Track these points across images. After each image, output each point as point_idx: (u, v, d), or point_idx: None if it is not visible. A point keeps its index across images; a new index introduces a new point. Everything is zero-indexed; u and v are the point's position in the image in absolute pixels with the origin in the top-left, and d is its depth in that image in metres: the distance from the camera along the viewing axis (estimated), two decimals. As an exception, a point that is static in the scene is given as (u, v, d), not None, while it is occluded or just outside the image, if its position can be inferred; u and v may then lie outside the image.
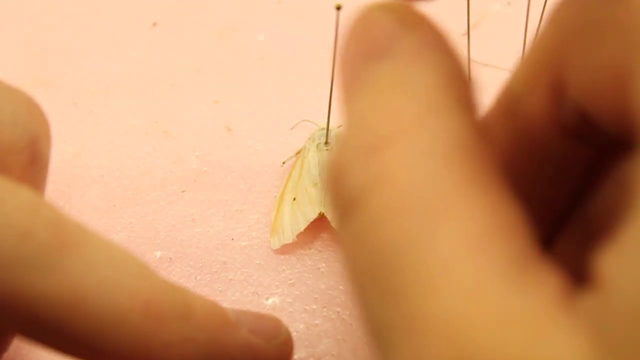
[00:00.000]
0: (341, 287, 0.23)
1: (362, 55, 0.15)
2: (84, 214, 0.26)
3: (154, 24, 0.34)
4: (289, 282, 0.24)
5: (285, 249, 0.24)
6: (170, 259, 0.25)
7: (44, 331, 0.15)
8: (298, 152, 0.26)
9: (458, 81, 0.14)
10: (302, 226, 0.24)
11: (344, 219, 0.13)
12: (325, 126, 0.25)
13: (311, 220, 0.24)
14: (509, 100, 0.16)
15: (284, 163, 0.27)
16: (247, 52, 0.32)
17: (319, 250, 0.24)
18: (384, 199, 0.12)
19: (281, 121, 0.29)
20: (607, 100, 0.12)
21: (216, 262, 0.24)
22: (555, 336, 0.10)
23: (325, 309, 0.23)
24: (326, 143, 0.25)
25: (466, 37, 0.28)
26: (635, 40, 0.11)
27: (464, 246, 0.11)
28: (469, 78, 0.14)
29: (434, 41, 0.14)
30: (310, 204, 0.24)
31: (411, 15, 0.15)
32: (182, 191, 0.27)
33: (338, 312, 0.23)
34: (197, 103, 0.30)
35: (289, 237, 0.24)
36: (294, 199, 0.24)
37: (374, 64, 0.14)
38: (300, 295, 0.23)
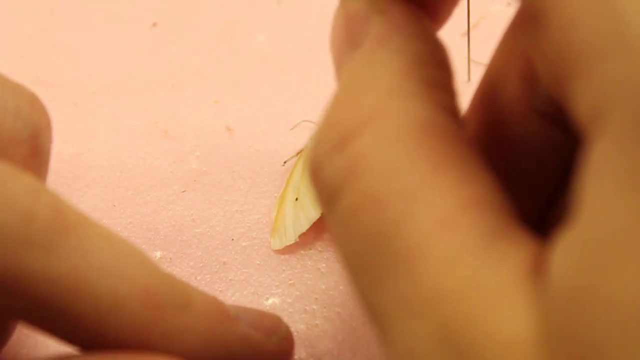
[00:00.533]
0: (341, 287, 0.23)
1: (343, 44, 0.15)
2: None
3: (154, 24, 0.34)
4: (289, 282, 0.24)
5: (285, 250, 0.24)
6: (171, 259, 0.25)
7: (45, 314, 0.15)
8: (299, 152, 0.26)
9: (425, 62, 0.14)
10: (305, 226, 0.24)
11: (327, 211, 0.13)
12: None
13: (314, 220, 0.24)
14: (487, 88, 0.16)
15: (285, 163, 0.27)
16: (248, 52, 0.32)
17: (319, 251, 0.24)
18: (360, 189, 0.12)
19: (281, 121, 0.29)
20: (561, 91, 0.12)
21: (216, 263, 0.24)
22: (508, 311, 0.11)
23: (325, 310, 0.23)
24: None
25: (466, 37, 0.28)
26: (569, 42, 0.11)
27: (437, 225, 0.12)
28: (441, 58, 0.14)
29: (402, 24, 0.14)
30: (313, 204, 0.24)
31: (384, 1, 0.15)
32: (182, 191, 0.27)
33: (338, 312, 0.23)
34: (198, 103, 0.30)
35: (291, 237, 0.24)
36: (296, 199, 0.24)
37: (350, 51, 0.14)
38: (300, 296, 0.23)
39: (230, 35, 0.33)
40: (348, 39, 0.15)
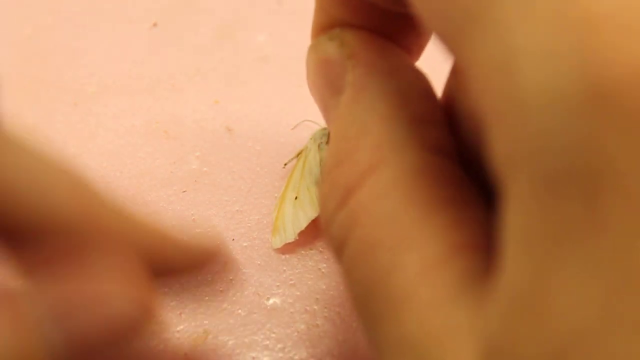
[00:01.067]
0: (342, 287, 0.23)
1: (324, 90, 0.16)
2: (84, 214, 0.26)
3: (154, 24, 0.34)
4: (290, 282, 0.24)
5: (286, 249, 0.24)
6: (171, 259, 0.25)
7: None
8: (299, 153, 0.26)
9: (406, 99, 0.14)
10: (304, 224, 0.24)
11: (337, 259, 0.14)
12: (326, 126, 0.25)
13: (312, 218, 0.24)
14: (448, 96, 0.16)
15: (285, 165, 0.27)
16: (248, 52, 0.32)
17: (320, 251, 0.24)
18: (358, 239, 0.13)
19: (282, 121, 0.29)
20: None
21: (217, 262, 0.24)
22: (467, 353, 0.11)
23: (326, 310, 0.23)
24: (327, 143, 0.25)
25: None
26: (482, 105, 0.11)
27: (422, 271, 0.12)
28: (423, 88, 0.15)
29: (376, 64, 0.15)
30: (312, 203, 0.24)
31: (352, 41, 0.15)
32: (183, 191, 0.27)
33: (339, 312, 0.23)
34: (198, 103, 0.30)
35: (290, 235, 0.24)
36: (296, 197, 0.24)
37: (333, 98, 0.15)
38: (301, 296, 0.23)
39: (230, 35, 0.33)
40: (328, 85, 0.15)
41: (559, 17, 0.09)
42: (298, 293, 0.23)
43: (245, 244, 0.25)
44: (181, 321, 0.23)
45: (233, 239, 0.25)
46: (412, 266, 0.12)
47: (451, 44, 0.11)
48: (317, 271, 0.24)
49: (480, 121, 0.11)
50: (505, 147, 0.10)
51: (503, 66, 0.10)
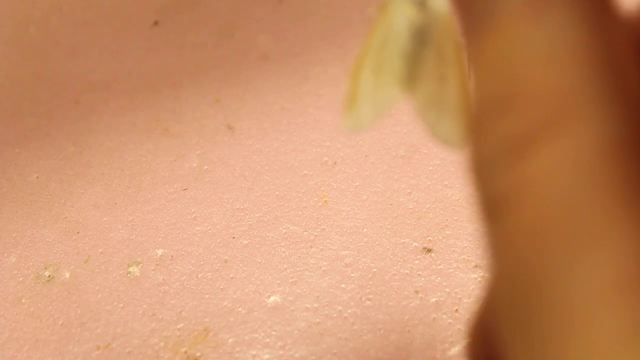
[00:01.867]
0: (343, 285, 0.23)
1: None
2: (85, 211, 0.26)
3: (155, 23, 0.34)
4: (291, 280, 0.24)
5: (291, 240, 0.24)
6: (172, 256, 0.25)
7: None
8: (382, 7, 0.17)
9: (609, 34, 0.11)
10: (385, 106, 0.16)
11: (487, 218, 0.11)
12: None
13: (395, 102, 0.15)
14: None
15: (370, 13, 0.20)
16: (248, 51, 0.32)
17: (321, 250, 0.24)
18: (525, 213, 0.10)
19: (282, 120, 0.29)
20: None
21: (218, 260, 0.24)
22: None
23: (326, 308, 0.23)
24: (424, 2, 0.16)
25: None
26: None
27: (611, 288, 0.09)
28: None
29: None
30: (395, 82, 0.15)
31: None
32: (184, 189, 0.27)
33: (339, 310, 0.23)
34: (198, 102, 0.30)
35: (367, 116, 0.16)
36: (375, 69, 0.15)
37: None
38: (301, 294, 0.23)
39: (231, 34, 0.33)
40: None
41: None
42: (299, 291, 0.23)
43: (245, 242, 0.25)
44: (181, 319, 0.23)
45: (234, 237, 0.25)
46: (598, 275, 0.10)
47: None
48: (317, 269, 0.24)
49: None
50: None
51: None
